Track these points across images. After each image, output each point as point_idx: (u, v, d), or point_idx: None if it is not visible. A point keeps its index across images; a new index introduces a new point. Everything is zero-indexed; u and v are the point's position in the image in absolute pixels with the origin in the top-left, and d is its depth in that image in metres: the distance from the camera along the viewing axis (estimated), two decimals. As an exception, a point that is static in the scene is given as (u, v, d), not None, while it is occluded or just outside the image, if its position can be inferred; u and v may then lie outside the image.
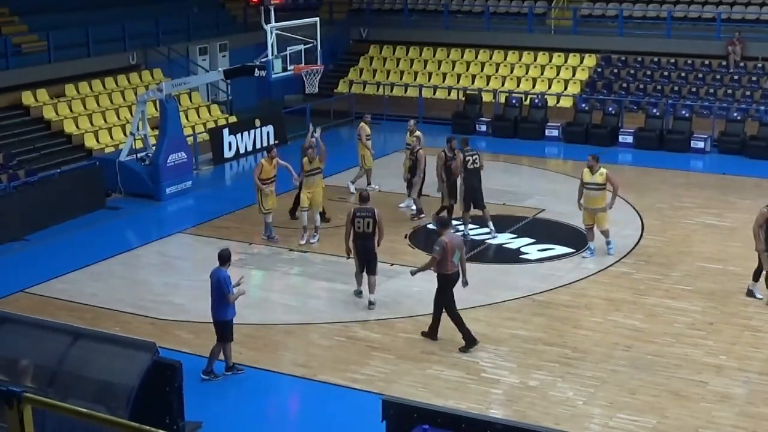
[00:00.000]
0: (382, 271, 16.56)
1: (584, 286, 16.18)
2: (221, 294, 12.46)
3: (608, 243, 17.51)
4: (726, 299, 15.48)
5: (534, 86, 30.20)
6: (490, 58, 31.71)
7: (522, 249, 18.03)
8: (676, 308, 15.14)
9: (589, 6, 32.38)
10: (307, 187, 18.14)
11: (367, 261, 15.10)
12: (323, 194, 18.53)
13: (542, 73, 30.63)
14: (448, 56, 32.23)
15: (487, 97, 29.67)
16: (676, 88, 28.77)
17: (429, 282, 16.35)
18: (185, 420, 10.46)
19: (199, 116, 27.40)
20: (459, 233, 17.34)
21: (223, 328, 12.71)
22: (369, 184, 21.66)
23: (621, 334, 14.14)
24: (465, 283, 13.82)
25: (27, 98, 24.62)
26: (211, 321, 12.79)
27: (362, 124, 21.93)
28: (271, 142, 25.69)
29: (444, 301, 13.65)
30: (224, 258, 12.63)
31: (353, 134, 28.70)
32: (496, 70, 31.25)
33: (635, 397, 12.23)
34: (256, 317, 14.92)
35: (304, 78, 21.90)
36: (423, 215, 19.44)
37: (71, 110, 25.08)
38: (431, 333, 13.93)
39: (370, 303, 15.19)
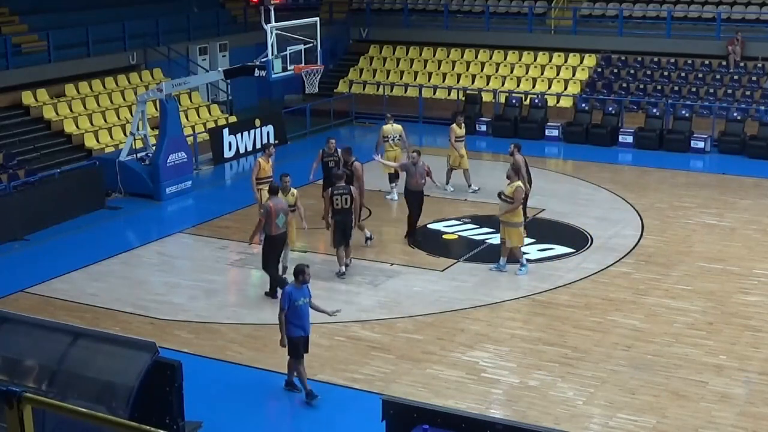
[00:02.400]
0: (381, 271, 16.82)
1: (584, 286, 16.18)
2: (282, 308, 12.08)
3: (522, 266, 16.53)
4: (726, 299, 15.48)
5: (534, 86, 30.19)
6: (490, 58, 31.70)
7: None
8: (675, 308, 15.14)
9: (589, 6, 32.37)
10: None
11: (343, 234, 16.33)
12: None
13: (542, 73, 30.62)
14: (448, 56, 32.22)
15: (487, 97, 29.67)
16: (676, 88, 28.76)
17: (429, 282, 16.47)
18: (185, 420, 10.47)
19: (199, 116, 27.39)
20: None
21: (289, 344, 12.22)
22: (447, 182, 21.61)
23: (621, 334, 14.14)
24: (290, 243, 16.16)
25: (27, 98, 24.59)
26: (209, 321, 12.72)
27: (452, 125, 21.78)
28: (272, 141, 25.67)
29: (265, 257, 15.40)
30: (294, 273, 12.18)
31: (353, 134, 28.88)
32: (496, 70, 31.24)
33: (635, 397, 12.23)
34: (256, 317, 14.93)
35: (304, 78, 21.89)
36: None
37: (71, 110, 25.06)
38: (272, 292, 15.34)
39: (346, 266, 16.51)
